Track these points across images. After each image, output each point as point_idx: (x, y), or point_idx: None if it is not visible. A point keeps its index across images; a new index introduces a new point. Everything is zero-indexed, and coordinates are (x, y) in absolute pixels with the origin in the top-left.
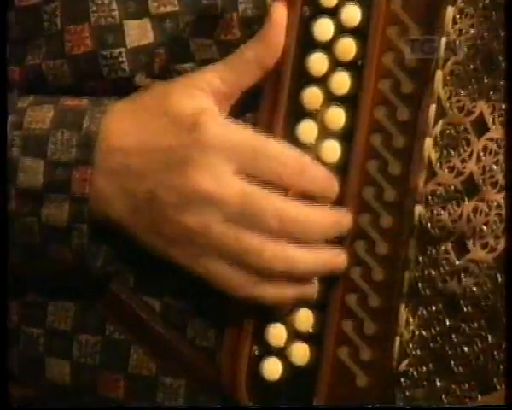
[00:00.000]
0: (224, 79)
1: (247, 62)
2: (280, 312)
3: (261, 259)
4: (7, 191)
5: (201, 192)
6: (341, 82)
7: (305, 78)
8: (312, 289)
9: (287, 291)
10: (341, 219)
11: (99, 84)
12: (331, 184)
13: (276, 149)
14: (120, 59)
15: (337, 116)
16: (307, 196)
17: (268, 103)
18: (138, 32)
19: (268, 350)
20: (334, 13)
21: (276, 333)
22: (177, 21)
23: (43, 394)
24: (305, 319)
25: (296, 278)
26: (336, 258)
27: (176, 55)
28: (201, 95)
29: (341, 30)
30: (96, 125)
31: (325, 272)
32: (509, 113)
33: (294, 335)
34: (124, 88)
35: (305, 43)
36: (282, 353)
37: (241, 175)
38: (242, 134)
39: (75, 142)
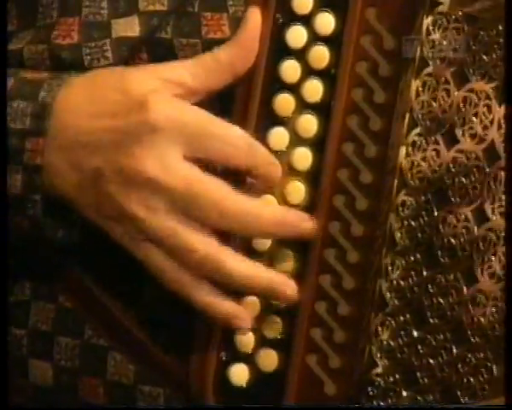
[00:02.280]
0: (194, 75)
1: (219, 64)
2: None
3: (192, 257)
4: None
5: (147, 176)
6: (314, 90)
7: (277, 84)
8: (246, 318)
9: (219, 305)
10: (292, 220)
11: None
12: (276, 167)
13: (224, 129)
14: (104, 48)
15: (309, 124)
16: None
17: (239, 109)
18: (125, 25)
19: (236, 356)
20: (307, 20)
21: (244, 339)
22: (163, 20)
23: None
24: (273, 325)
25: (234, 295)
26: (282, 285)
27: (159, 55)
28: (158, 75)
29: (315, 38)
30: (52, 96)
31: (265, 294)
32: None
33: (263, 341)
34: None
35: (278, 50)
36: (250, 359)
37: (189, 159)
38: (191, 115)
39: (30, 111)
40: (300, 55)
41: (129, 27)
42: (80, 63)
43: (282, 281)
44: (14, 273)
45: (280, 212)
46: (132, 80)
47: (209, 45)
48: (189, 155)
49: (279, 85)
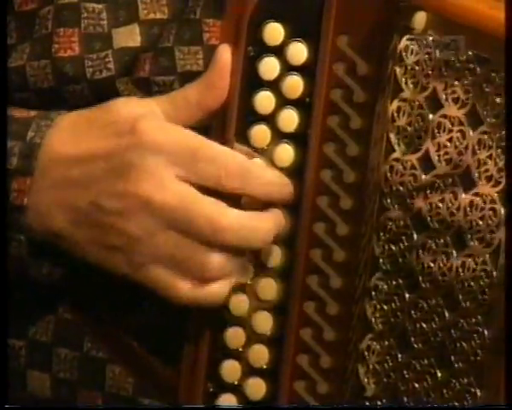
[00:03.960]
0: (165, 112)
1: (189, 103)
2: (234, 348)
3: (197, 268)
4: None
5: (143, 198)
6: (289, 119)
7: (252, 116)
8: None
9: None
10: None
11: (80, 88)
12: (277, 186)
13: (215, 151)
14: (106, 59)
15: (286, 153)
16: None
17: (216, 141)
18: (126, 35)
19: (223, 387)
20: (279, 51)
21: (231, 369)
22: (164, 28)
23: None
24: (259, 354)
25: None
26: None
27: (159, 65)
28: (143, 105)
29: (288, 68)
30: (40, 136)
31: None
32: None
33: (249, 370)
34: (104, 92)
35: (251, 82)
36: (237, 389)
37: (183, 178)
38: (181, 137)
39: (17, 151)
40: (274, 85)
41: (130, 37)
42: (83, 76)
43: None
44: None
45: (275, 222)
46: (114, 110)
47: (211, 52)
48: (182, 177)
49: (254, 117)
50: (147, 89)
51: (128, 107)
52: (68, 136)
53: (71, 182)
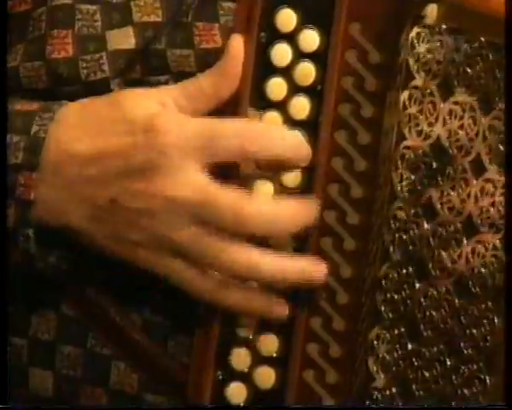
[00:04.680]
0: (178, 103)
1: (203, 92)
2: (244, 336)
3: (222, 261)
4: None
5: (166, 198)
6: (301, 107)
7: (264, 103)
8: (282, 308)
9: (253, 302)
10: (309, 212)
11: (75, 90)
12: (298, 143)
13: (230, 125)
14: (101, 61)
15: None
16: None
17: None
18: (120, 38)
19: (232, 375)
20: (291, 38)
21: (240, 358)
22: (158, 31)
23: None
24: (269, 343)
25: (266, 290)
26: (313, 270)
27: (152, 66)
28: (154, 99)
29: (299, 55)
30: (44, 130)
31: (299, 280)
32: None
33: (259, 359)
34: (99, 93)
35: (263, 68)
36: (246, 377)
37: (203, 170)
38: (197, 126)
39: (22, 146)
40: (286, 72)
41: (124, 39)
42: (77, 77)
43: (312, 266)
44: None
45: (296, 209)
46: (127, 107)
47: (202, 55)
48: (206, 163)
49: (266, 103)
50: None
51: (139, 103)
52: (76, 130)
53: (88, 179)
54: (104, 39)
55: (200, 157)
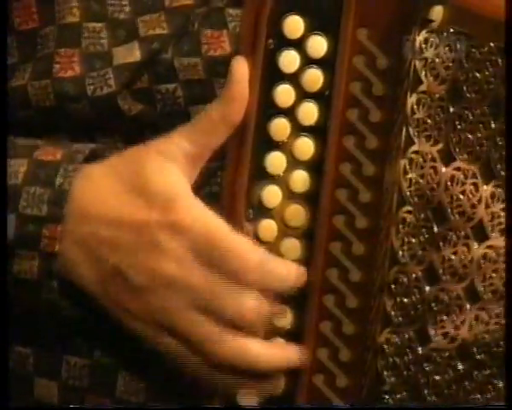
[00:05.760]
0: (193, 141)
1: (214, 123)
2: None
3: (217, 352)
4: None
5: (167, 277)
6: (309, 112)
7: (272, 109)
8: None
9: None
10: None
11: (81, 107)
12: (293, 278)
13: (236, 245)
14: (107, 76)
15: (306, 147)
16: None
17: (236, 136)
18: (125, 52)
19: None
20: (299, 44)
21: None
22: (164, 42)
23: None
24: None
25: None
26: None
27: (160, 75)
28: (173, 168)
29: (307, 61)
30: (69, 183)
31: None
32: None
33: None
34: (106, 108)
35: (271, 75)
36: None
37: (206, 264)
38: (209, 225)
39: (47, 198)
40: (294, 79)
41: (129, 53)
42: (84, 94)
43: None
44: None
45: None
46: (147, 176)
47: (210, 63)
48: (203, 262)
49: (274, 110)
50: (148, 99)
51: (162, 177)
52: (98, 190)
53: (99, 240)
54: (110, 56)
55: (200, 255)
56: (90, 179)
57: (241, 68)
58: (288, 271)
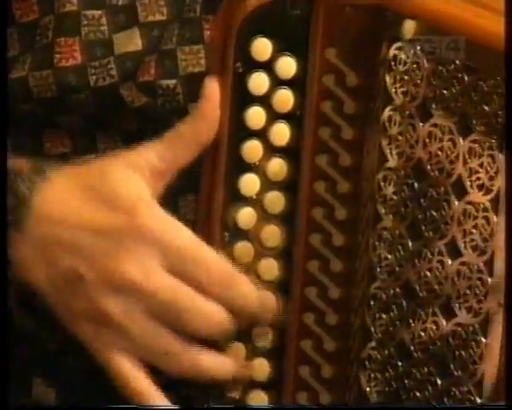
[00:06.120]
0: (161, 156)
1: (184, 140)
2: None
3: (171, 360)
4: None
5: (129, 281)
6: (281, 133)
7: (244, 131)
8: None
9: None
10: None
11: (84, 97)
12: (257, 302)
13: (203, 256)
14: (109, 66)
15: (279, 167)
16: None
17: (208, 161)
18: (126, 40)
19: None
20: (268, 66)
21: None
22: (164, 29)
23: None
24: (260, 367)
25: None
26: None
27: (165, 66)
28: (138, 178)
29: (277, 82)
30: (31, 190)
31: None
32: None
33: (251, 383)
34: (108, 98)
35: (241, 97)
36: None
37: (169, 271)
38: (175, 232)
39: (11, 206)
40: (264, 100)
41: (130, 41)
42: (87, 84)
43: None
44: None
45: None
46: (111, 183)
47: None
48: (166, 269)
49: (246, 132)
50: (151, 93)
51: (127, 184)
52: (59, 193)
53: (56, 240)
54: (111, 43)
55: (165, 262)
56: (51, 185)
57: (212, 88)
58: (251, 290)
